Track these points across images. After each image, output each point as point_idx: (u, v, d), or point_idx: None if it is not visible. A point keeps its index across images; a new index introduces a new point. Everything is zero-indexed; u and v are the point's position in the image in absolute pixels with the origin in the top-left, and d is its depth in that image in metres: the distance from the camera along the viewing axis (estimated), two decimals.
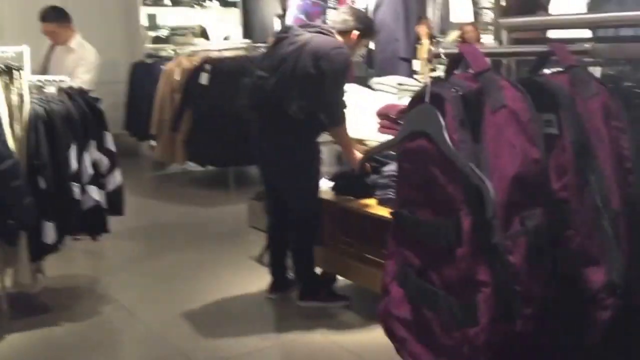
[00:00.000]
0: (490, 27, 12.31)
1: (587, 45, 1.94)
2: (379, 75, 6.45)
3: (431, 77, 1.92)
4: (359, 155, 4.43)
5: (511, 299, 1.58)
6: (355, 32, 4.46)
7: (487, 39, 10.20)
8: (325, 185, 5.19)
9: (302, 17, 6.91)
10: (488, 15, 12.50)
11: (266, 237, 4.98)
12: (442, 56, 1.74)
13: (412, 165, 1.85)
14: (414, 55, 6.85)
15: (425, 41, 6.58)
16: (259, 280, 4.99)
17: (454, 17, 11.60)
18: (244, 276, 5.21)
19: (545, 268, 1.61)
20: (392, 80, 5.83)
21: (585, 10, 5.94)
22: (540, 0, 3.67)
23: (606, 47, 1.92)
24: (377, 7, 6.77)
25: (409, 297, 1.88)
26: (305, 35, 4.30)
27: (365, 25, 4.57)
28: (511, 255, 1.60)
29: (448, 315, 1.67)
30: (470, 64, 1.75)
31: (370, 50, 6.93)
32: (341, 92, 4.31)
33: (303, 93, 4.21)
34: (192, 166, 8.66)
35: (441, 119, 1.67)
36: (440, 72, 5.03)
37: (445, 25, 11.02)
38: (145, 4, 10.68)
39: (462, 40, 6.64)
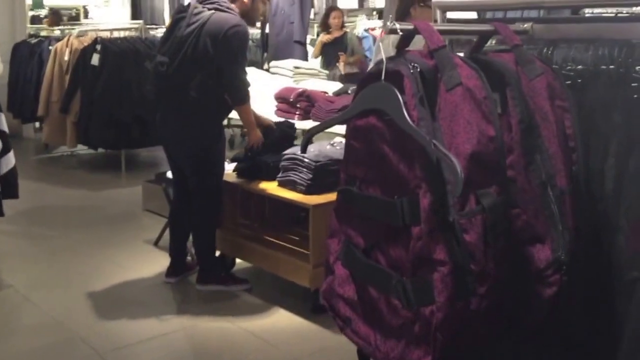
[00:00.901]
0: (375, 14, 12.63)
1: (525, 26, 1.90)
2: (274, 59, 6.37)
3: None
4: (259, 134, 4.40)
5: (467, 277, 1.53)
6: None
7: (369, 24, 10.39)
8: (227, 167, 5.13)
9: None
10: (372, 1, 12.80)
11: (168, 218, 4.84)
12: (399, 31, 1.66)
13: (360, 143, 1.78)
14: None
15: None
16: (156, 264, 4.87)
17: (341, 3, 11.77)
18: (140, 260, 5.06)
19: (500, 247, 1.56)
20: (289, 63, 5.79)
21: None
22: None
23: (544, 27, 1.89)
24: None
25: (355, 276, 1.81)
26: (204, 14, 4.16)
27: None
28: (467, 234, 1.57)
29: (399, 294, 1.60)
30: (426, 41, 1.69)
31: (264, 34, 6.84)
32: (243, 70, 4.21)
33: (204, 76, 4.13)
34: (81, 149, 8.30)
35: (399, 96, 1.59)
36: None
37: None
38: None
39: (327, 25, 6.67)
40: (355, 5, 12.28)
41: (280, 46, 6.56)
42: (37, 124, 9.11)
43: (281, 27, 6.61)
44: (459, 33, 2.08)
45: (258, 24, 6.53)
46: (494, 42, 2.06)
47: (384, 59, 1.67)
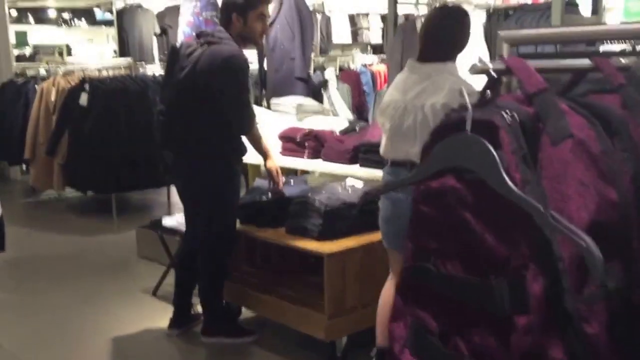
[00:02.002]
0: (369, 48, 12.50)
1: (626, 61, 1.61)
2: (274, 96, 6.14)
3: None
4: (275, 163, 4.25)
5: None
6: (235, 15, 3.94)
7: (366, 59, 10.23)
8: None
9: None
10: (366, 36, 12.69)
11: (172, 266, 4.58)
12: (491, 72, 1.40)
13: (434, 209, 1.47)
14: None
15: None
16: (157, 315, 4.58)
17: (336, 38, 11.64)
18: (139, 311, 4.75)
19: (628, 339, 1.28)
20: (291, 100, 5.56)
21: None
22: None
23: None
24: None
25: None
26: (195, 54, 3.90)
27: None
28: (588, 324, 1.27)
29: None
30: (523, 82, 1.42)
31: (262, 70, 6.62)
32: (246, 99, 3.98)
33: (208, 116, 3.93)
34: (69, 192, 8.00)
35: (494, 153, 1.32)
36: None
37: (328, 46, 11.00)
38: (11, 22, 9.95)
39: None
40: (349, 41, 12.14)
41: (279, 83, 6.33)
42: (24, 166, 8.84)
43: (280, 63, 6.37)
44: (551, 71, 1.75)
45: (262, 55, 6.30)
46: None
47: (469, 105, 1.41)
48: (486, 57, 5.84)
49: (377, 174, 4.18)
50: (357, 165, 4.48)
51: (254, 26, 3.98)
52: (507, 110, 1.37)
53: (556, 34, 1.90)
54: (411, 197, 1.62)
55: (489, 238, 1.33)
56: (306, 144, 4.75)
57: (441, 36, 3.25)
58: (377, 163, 4.20)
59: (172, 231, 5.05)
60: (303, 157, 4.75)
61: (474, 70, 1.44)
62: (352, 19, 12.48)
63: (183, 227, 4.81)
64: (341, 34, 11.62)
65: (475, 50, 5.71)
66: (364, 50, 12.02)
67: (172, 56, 4.12)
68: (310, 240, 4.01)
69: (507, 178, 1.31)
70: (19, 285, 5.44)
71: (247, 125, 4.02)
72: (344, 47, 12.08)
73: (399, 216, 3.12)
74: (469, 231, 1.39)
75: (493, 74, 1.41)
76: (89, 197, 8.01)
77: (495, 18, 5.95)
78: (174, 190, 8.63)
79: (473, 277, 1.37)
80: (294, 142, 4.83)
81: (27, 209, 8.12)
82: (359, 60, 8.99)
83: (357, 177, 4.46)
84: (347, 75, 9.28)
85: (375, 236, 3.85)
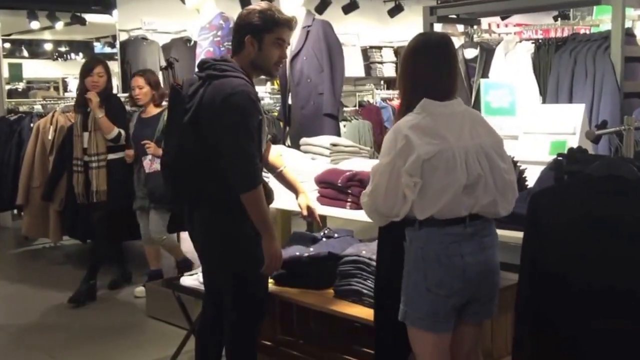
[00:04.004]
0: (382, 82, 12.08)
1: None
2: (298, 135, 5.53)
3: None
4: (278, 247, 3.39)
5: None
6: (249, 37, 3.36)
7: (385, 93, 9.81)
8: None
9: None
10: (379, 70, 12.29)
11: (193, 333, 3.91)
12: None
13: None
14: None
15: None
16: None
17: (348, 71, 11.17)
18: None
19: None
20: (324, 140, 4.95)
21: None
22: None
23: None
24: (292, 57, 5.87)
25: None
26: (199, 93, 3.31)
27: (253, 19, 3.35)
28: None
29: None
30: None
31: (287, 106, 6.03)
32: (245, 148, 3.25)
33: (219, 165, 3.30)
34: (66, 239, 7.32)
35: None
36: None
37: None
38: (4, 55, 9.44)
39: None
40: (362, 74, 11.68)
41: (306, 121, 5.73)
42: (15, 211, 8.20)
43: (307, 99, 5.77)
44: None
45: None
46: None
47: None
48: (535, 92, 5.29)
49: None
50: None
51: (270, 53, 3.38)
52: None
53: None
54: None
55: None
56: (349, 190, 4.09)
57: (454, 65, 2.93)
58: None
59: (191, 291, 4.41)
60: (345, 207, 4.08)
61: None
62: (365, 53, 12.09)
63: None
64: (354, 67, 11.14)
65: (523, 84, 5.17)
66: (377, 84, 11.61)
67: (174, 98, 3.53)
68: (365, 307, 3.45)
69: None
70: (13, 356, 4.78)
71: (247, 181, 3.26)
72: (356, 82, 11.64)
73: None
74: None
75: None
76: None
77: (545, 49, 5.40)
78: (183, 237, 8.06)
79: None
80: (334, 187, 4.18)
81: (19, 259, 7.42)
82: (378, 96, 8.56)
83: None
84: (368, 112, 8.82)
85: None
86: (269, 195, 3.49)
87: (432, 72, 2.84)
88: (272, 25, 3.36)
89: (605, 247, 2.40)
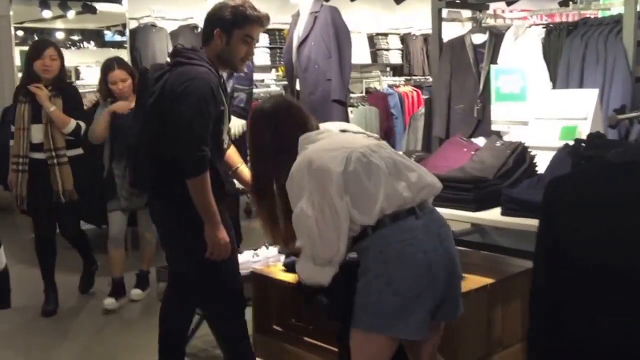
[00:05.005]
0: (389, 69, 11.94)
1: None
2: None
3: None
4: (224, 236, 3.31)
5: None
6: (218, 30, 3.28)
7: (391, 80, 9.69)
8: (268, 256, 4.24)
9: None
10: (386, 57, 12.14)
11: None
12: None
13: None
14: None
15: None
16: None
17: (355, 58, 11.05)
18: None
19: None
20: (334, 126, 4.80)
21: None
22: None
23: None
24: (300, 43, 5.75)
25: None
26: (163, 78, 3.26)
27: (224, 14, 3.28)
28: None
29: None
30: None
31: (295, 92, 5.91)
32: (197, 132, 3.14)
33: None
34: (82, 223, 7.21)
35: None
36: None
37: None
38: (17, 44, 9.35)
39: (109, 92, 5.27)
40: (369, 60, 11.53)
41: (314, 107, 5.61)
42: None
43: (315, 85, 5.66)
44: None
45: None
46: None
47: None
48: (545, 77, 5.14)
49: (451, 213, 3.51)
50: None
51: (237, 48, 3.31)
52: None
53: None
54: None
55: None
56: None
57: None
58: (451, 201, 3.53)
59: None
60: None
61: None
62: (371, 40, 11.94)
63: None
64: (360, 54, 10.99)
65: (534, 69, 5.02)
66: (383, 71, 11.48)
67: (142, 82, 3.45)
68: None
69: None
70: (31, 345, 4.73)
71: (194, 167, 3.17)
72: (362, 68, 11.50)
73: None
74: None
75: None
76: (104, 230, 7.21)
77: (556, 34, 5.24)
78: None
79: None
80: None
81: (34, 244, 7.31)
82: (386, 82, 8.44)
83: None
84: (375, 98, 8.67)
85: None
86: (224, 185, 3.40)
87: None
88: (243, 22, 3.28)
89: (625, 235, 2.26)
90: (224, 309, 3.48)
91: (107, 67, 5.17)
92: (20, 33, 10.08)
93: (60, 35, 11.57)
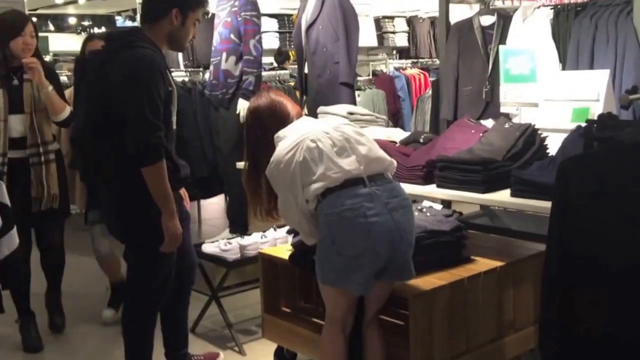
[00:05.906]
0: (395, 52, 11.77)
1: None
2: (315, 104, 5.31)
3: None
4: (177, 226, 3.23)
5: None
6: (176, 10, 3.20)
7: (398, 63, 9.52)
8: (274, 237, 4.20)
9: (233, 37, 5.66)
10: (392, 40, 11.97)
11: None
12: None
13: None
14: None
15: None
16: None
17: (361, 41, 10.89)
18: None
19: None
20: (342, 109, 4.72)
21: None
22: None
23: None
24: (308, 26, 5.63)
25: None
26: (105, 66, 3.15)
27: None
28: None
29: None
30: None
31: (303, 75, 5.81)
32: (149, 118, 3.03)
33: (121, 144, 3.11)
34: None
35: None
36: None
37: None
38: None
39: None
40: (375, 43, 11.37)
41: (322, 90, 5.51)
42: None
43: (323, 68, 5.54)
44: None
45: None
46: None
47: None
48: (555, 58, 5.00)
49: (459, 195, 3.41)
50: (433, 186, 3.60)
51: (189, 30, 3.28)
52: None
53: None
54: None
55: None
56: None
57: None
58: (459, 182, 3.42)
59: (212, 258, 4.25)
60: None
61: None
62: (377, 22, 11.78)
63: (227, 255, 4.04)
64: (367, 37, 10.83)
65: (543, 50, 4.88)
66: (390, 54, 11.33)
67: (81, 69, 3.36)
68: None
69: None
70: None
71: (149, 154, 3.06)
72: (369, 51, 11.35)
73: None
74: None
75: None
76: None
77: (564, 15, 5.09)
78: (204, 204, 7.86)
79: None
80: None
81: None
82: (391, 65, 8.29)
83: (432, 199, 3.66)
84: (382, 81, 8.54)
85: (465, 270, 3.26)
86: (179, 170, 3.31)
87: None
88: (198, 6, 3.29)
89: (639, 218, 2.14)
90: (149, 293, 3.41)
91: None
92: (34, 19, 9.99)
93: (72, 21, 11.49)
